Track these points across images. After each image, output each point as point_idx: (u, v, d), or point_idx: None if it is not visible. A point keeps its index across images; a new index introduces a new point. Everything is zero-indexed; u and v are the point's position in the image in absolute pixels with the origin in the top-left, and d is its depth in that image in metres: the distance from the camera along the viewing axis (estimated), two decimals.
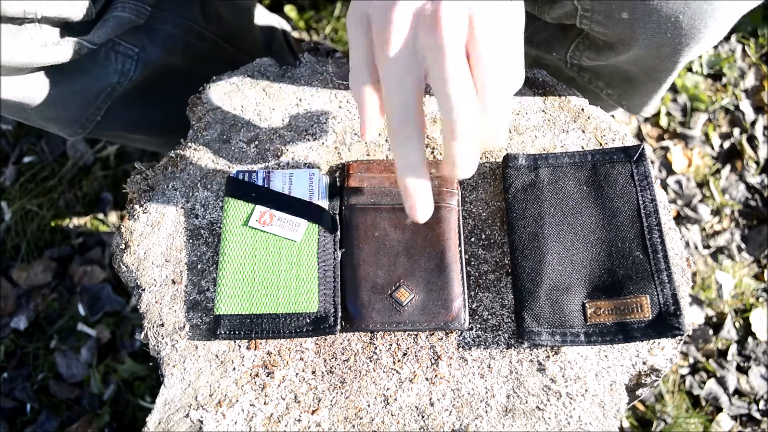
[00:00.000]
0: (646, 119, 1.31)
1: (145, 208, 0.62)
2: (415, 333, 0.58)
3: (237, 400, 0.55)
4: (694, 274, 1.20)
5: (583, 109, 0.67)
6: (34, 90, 0.66)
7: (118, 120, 0.78)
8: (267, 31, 1.07)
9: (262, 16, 1.07)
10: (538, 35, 0.76)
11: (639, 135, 1.30)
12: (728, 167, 1.28)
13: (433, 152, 0.65)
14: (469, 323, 0.58)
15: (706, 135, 1.30)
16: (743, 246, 1.23)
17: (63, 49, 0.63)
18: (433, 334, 0.57)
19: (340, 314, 0.57)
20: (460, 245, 0.58)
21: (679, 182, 1.26)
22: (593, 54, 0.69)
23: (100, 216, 1.22)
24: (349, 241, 0.58)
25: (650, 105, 0.80)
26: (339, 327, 0.57)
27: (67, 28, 0.63)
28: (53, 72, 0.66)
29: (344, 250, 0.58)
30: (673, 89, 1.32)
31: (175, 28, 0.77)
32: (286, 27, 1.19)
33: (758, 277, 1.21)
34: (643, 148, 0.61)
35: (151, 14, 0.69)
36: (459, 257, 0.58)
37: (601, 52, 0.68)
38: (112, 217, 1.22)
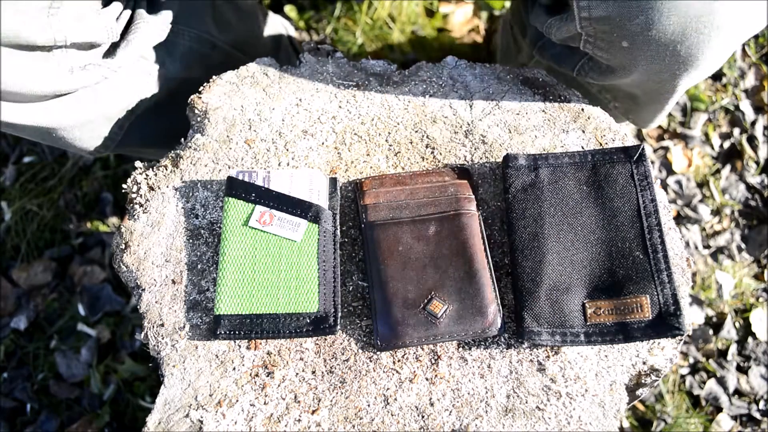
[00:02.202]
0: None
1: (145, 208, 0.62)
2: None
3: (237, 400, 0.55)
4: (694, 274, 1.20)
5: (583, 109, 0.67)
6: (60, 114, 0.67)
7: (136, 136, 0.79)
8: (274, 37, 1.07)
9: (269, 22, 1.08)
10: (550, 49, 0.78)
11: (639, 135, 1.30)
12: (728, 167, 1.28)
13: (433, 152, 0.65)
14: (505, 327, 0.57)
15: (706, 135, 1.30)
16: (743, 246, 1.23)
17: (89, 74, 0.63)
18: None
19: (340, 314, 0.57)
20: (485, 250, 0.58)
21: (679, 182, 1.26)
22: (596, 75, 0.70)
23: (100, 216, 1.22)
24: (373, 258, 0.58)
25: (655, 121, 0.81)
26: (338, 326, 0.57)
27: (90, 51, 0.63)
28: (80, 96, 0.67)
29: (370, 269, 0.58)
30: None
31: (191, 41, 0.78)
32: (292, 32, 1.20)
33: (758, 277, 1.21)
34: (643, 148, 0.61)
35: (170, 29, 0.70)
36: (487, 262, 0.57)
37: (604, 74, 0.69)
38: (112, 217, 1.22)
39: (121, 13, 0.65)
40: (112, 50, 0.65)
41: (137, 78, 0.72)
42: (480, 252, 0.58)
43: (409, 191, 0.60)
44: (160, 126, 0.81)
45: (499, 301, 0.56)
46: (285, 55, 1.09)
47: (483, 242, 0.58)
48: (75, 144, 0.74)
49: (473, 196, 0.60)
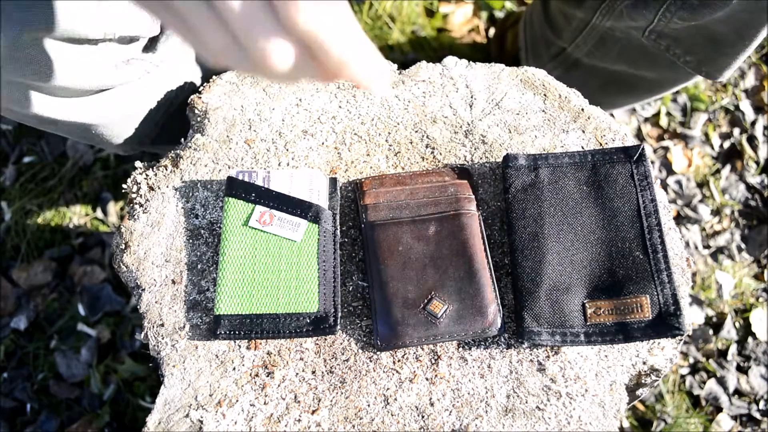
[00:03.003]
0: (646, 119, 1.31)
1: (145, 208, 0.62)
2: None
3: (237, 400, 0.55)
4: (694, 274, 1.20)
5: (583, 109, 0.67)
6: (103, 110, 0.67)
7: (168, 133, 0.79)
8: None
9: None
10: (621, 2, 0.74)
11: (639, 135, 1.30)
12: (728, 167, 1.28)
13: (433, 152, 0.65)
14: (505, 327, 0.57)
15: (706, 135, 1.30)
16: (743, 246, 1.23)
17: (133, 69, 0.63)
18: None
19: (340, 314, 0.57)
20: (485, 250, 0.58)
21: (679, 182, 1.26)
22: (687, 14, 0.67)
23: (100, 216, 1.22)
24: (373, 258, 0.58)
25: (731, 68, 0.78)
26: (338, 326, 0.57)
27: (131, 45, 0.63)
28: (121, 91, 0.67)
29: (370, 269, 0.57)
30: None
31: None
32: None
33: (758, 277, 1.21)
34: (643, 148, 0.61)
35: None
36: (487, 262, 0.57)
37: (696, 11, 0.66)
38: (112, 217, 1.22)
39: None
40: (150, 45, 0.65)
41: (176, 73, 0.72)
42: (480, 252, 0.57)
43: (409, 191, 0.60)
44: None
45: (499, 301, 0.56)
46: None
47: (483, 242, 0.58)
48: (112, 141, 0.74)
49: (473, 196, 0.60)
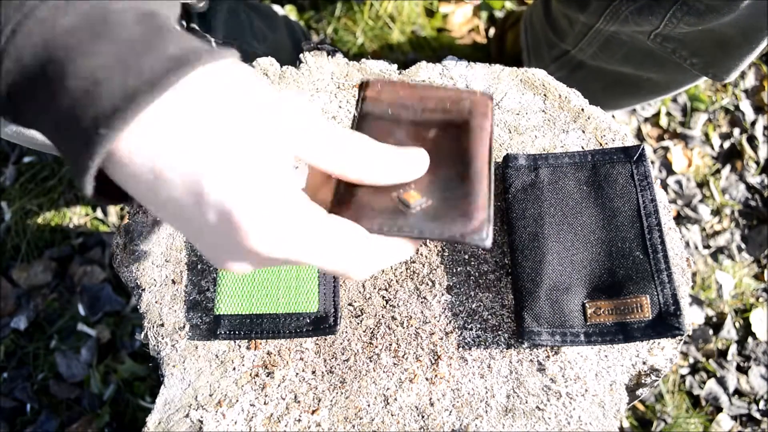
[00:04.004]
0: (646, 119, 1.31)
1: (145, 208, 0.62)
2: (415, 332, 0.57)
3: (237, 400, 0.55)
4: (694, 274, 1.20)
5: (583, 109, 0.67)
6: None
7: None
8: (293, 40, 1.09)
9: (288, 28, 1.11)
10: (626, 7, 0.74)
11: (639, 135, 1.30)
12: (728, 167, 1.28)
13: None
14: (492, 243, 0.49)
15: (706, 135, 1.30)
16: (743, 246, 1.23)
17: None
18: (433, 333, 0.57)
19: (340, 314, 0.57)
20: (490, 164, 0.47)
21: (679, 182, 1.26)
22: (694, 19, 0.67)
23: (100, 216, 1.22)
24: None
25: (738, 69, 0.76)
26: (338, 326, 0.57)
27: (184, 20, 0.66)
28: None
29: None
30: None
31: (240, 51, 0.82)
32: (304, 30, 1.21)
33: (758, 277, 1.21)
34: (643, 148, 0.61)
35: (223, 41, 0.75)
36: (488, 175, 0.46)
37: (702, 16, 0.66)
38: (112, 217, 1.22)
39: None
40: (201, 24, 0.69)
41: None
42: (482, 161, 0.47)
43: (418, 97, 0.50)
44: None
45: (492, 218, 0.45)
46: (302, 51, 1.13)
47: (489, 156, 0.47)
48: None
49: (491, 117, 0.50)
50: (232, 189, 0.32)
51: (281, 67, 0.71)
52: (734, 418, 1.11)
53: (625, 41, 0.78)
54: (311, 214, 0.36)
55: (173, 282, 0.59)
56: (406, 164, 0.41)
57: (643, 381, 0.59)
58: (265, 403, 0.55)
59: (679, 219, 1.23)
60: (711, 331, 1.17)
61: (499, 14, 1.35)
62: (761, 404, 1.12)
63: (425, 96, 0.50)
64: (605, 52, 0.85)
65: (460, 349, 0.57)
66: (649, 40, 0.75)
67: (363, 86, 0.51)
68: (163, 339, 0.57)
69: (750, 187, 1.26)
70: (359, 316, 0.59)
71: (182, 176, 0.32)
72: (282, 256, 0.34)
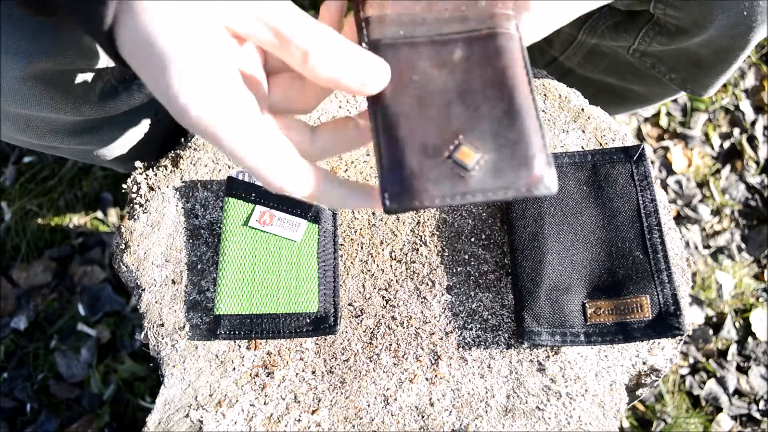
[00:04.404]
0: (646, 119, 1.31)
1: (145, 208, 0.62)
2: (415, 332, 0.57)
3: (237, 400, 0.55)
4: (694, 274, 1.20)
5: (583, 109, 0.67)
6: (105, 135, 0.68)
7: (171, 148, 0.81)
8: None
9: None
10: (603, 22, 0.75)
11: (639, 135, 1.30)
12: (728, 167, 1.28)
13: None
14: (557, 185, 0.46)
15: (706, 135, 1.30)
16: (743, 246, 1.23)
17: (135, 94, 0.64)
18: (433, 333, 0.57)
19: (340, 314, 0.57)
20: (530, 83, 0.42)
21: (679, 182, 1.26)
22: (664, 39, 0.68)
23: (100, 216, 1.22)
24: (378, 93, 0.41)
25: (716, 85, 0.76)
26: (338, 326, 0.57)
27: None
28: (125, 116, 0.68)
29: (373, 105, 0.41)
30: None
31: None
32: None
33: (758, 277, 1.21)
34: (643, 148, 0.61)
35: None
36: (533, 99, 0.41)
37: (672, 37, 0.67)
38: (112, 217, 1.22)
39: None
40: None
41: None
42: (523, 85, 0.41)
43: (425, 3, 0.43)
44: None
45: (549, 152, 0.41)
46: None
47: (527, 72, 0.42)
48: (114, 162, 0.75)
49: (512, 14, 0.44)
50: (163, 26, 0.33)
51: None
52: (734, 418, 1.11)
53: (607, 53, 0.79)
54: (241, 98, 0.35)
55: (173, 282, 0.59)
56: (364, 65, 0.38)
57: (643, 381, 0.59)
58: (265, 403, 0.55)
59: (679, 219, 1.23)
60: (711, 331, 1.17)
61: None
62: (761, 404, 1.12)
63: (435, 3, 0.43)
64: (590, 62, 0.86)
65: (460, 349, 0.57)
66: (628, 55, 0.76)
67: (360, 4, 0.44)
68: (163, 339, 0.57)
69: (750, 187, 1.26)
70: (359, 316, 0.59)
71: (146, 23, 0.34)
72: (195, 114, 0.34)
